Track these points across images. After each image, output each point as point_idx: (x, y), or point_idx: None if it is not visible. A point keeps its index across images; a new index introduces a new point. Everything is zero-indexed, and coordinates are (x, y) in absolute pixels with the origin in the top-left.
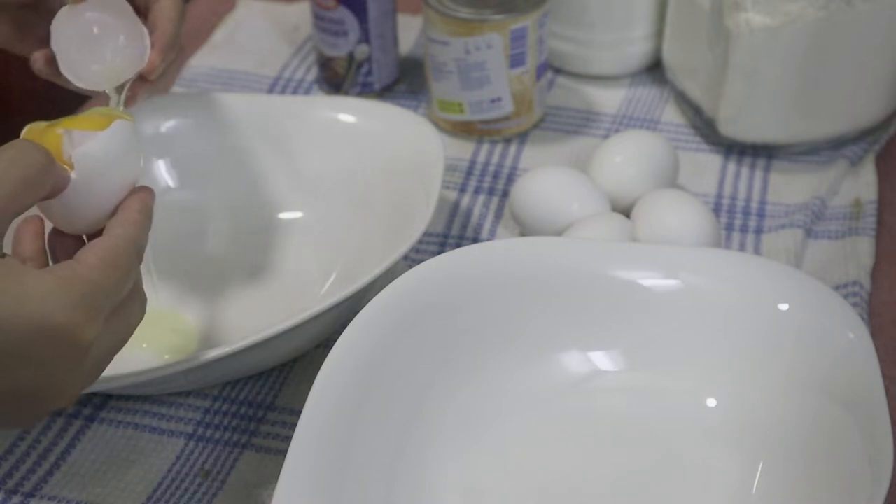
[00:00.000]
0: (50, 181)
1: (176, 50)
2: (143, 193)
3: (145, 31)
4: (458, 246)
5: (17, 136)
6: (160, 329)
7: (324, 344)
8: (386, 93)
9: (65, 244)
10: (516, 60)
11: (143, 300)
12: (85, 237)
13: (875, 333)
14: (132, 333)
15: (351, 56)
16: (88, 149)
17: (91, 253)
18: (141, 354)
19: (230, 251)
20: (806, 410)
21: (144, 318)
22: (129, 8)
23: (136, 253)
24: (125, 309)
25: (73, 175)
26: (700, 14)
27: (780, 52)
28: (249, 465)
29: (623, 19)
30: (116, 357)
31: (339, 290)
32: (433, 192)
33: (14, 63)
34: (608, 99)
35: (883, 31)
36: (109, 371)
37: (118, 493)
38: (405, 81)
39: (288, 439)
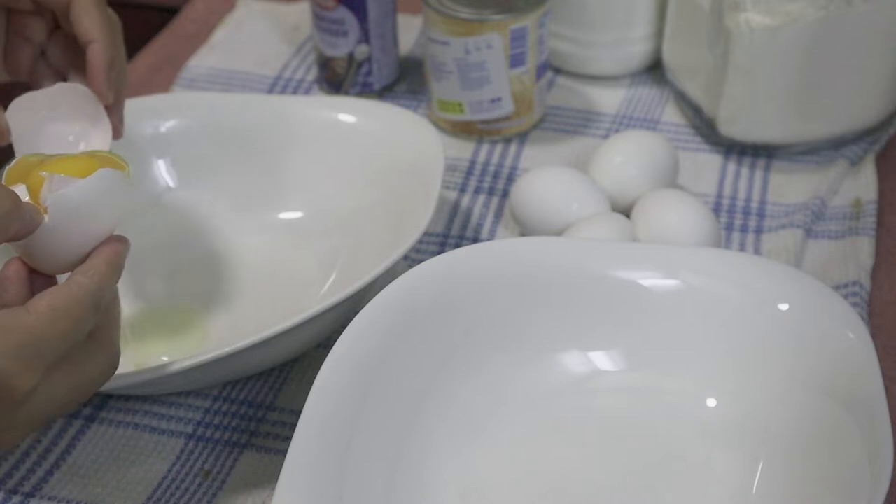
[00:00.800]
0: (14, 225)
1: (114, 69)
2: (116, 244)
3: (103, 112)
4: (458, 246)
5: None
6: (174, 331)
7: (324, 344)
8: (386, 93)
9: (39, 283)
10: (516, 60)
11: (111, 351)
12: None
13: (875, 333)
14: (95, 383)
15: (351, 56)
16: (62, 196)
17: (43, 300)
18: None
19: (230, 251)
20: (806, 410)
21: (153, 325)
22: (86, 91)
23: (92, 303)
24: (78, 358)
25: (45, 218)
26: (700, 14)
27: (780, 52)
28: (249, 465)
29: (623, 19)
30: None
31: (339, 290)
32: (433, 192)
33: None
34: (608, 99)
35: (883, 31)
36: None
37: (118, 493)
38: (405, 81)
39: (288, 439)
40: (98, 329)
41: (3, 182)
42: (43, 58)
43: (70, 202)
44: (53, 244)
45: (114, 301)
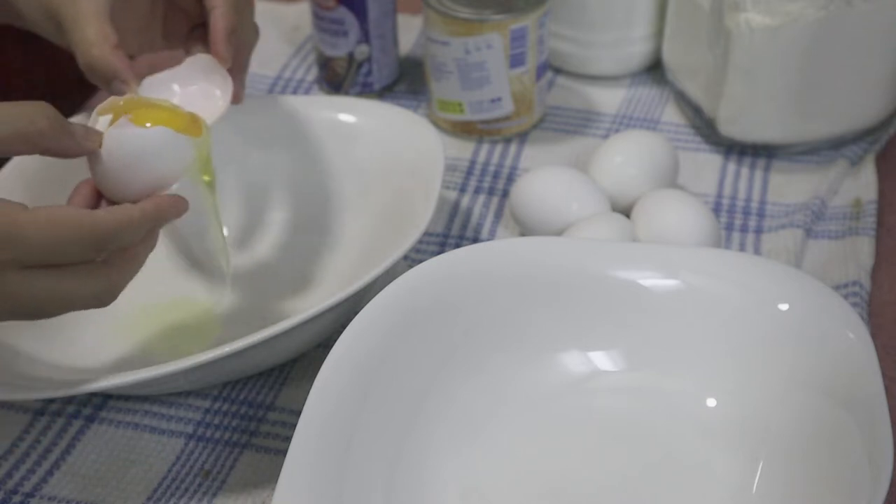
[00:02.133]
0: (46, 142)
1: (236, 34)
2: (161, 200)
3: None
4: (458, 246)
5: None
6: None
7: (324, 344)
8: (386, 93)
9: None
10: (516, 60)
11: (106, 289)
12: None
13: (875, 333)
14: (72, 305)
15: (351, 56)
16: (111, 134)
17: (48, 210)
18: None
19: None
20: (806, 410)
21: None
22: (211, 59)
23: (93, 237)
24: (65, 275)
25: (101, 151)
26: (700, 14)
27: (780, 52)
28: (249, 465)
29: (623, 19)
30: (118, 357)
31: (338, 291)
32: (433, 192)
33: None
34: (608, 99)
35: (883, 31)
36: (109, 371)
37: (118, 493)
38: (405, 81)
39: (288, 439)
40: (105, 265)
41: (98, 107)
42: (199, 28)
43: (115, 142)
44: (101, 174)
45: (139, 250)
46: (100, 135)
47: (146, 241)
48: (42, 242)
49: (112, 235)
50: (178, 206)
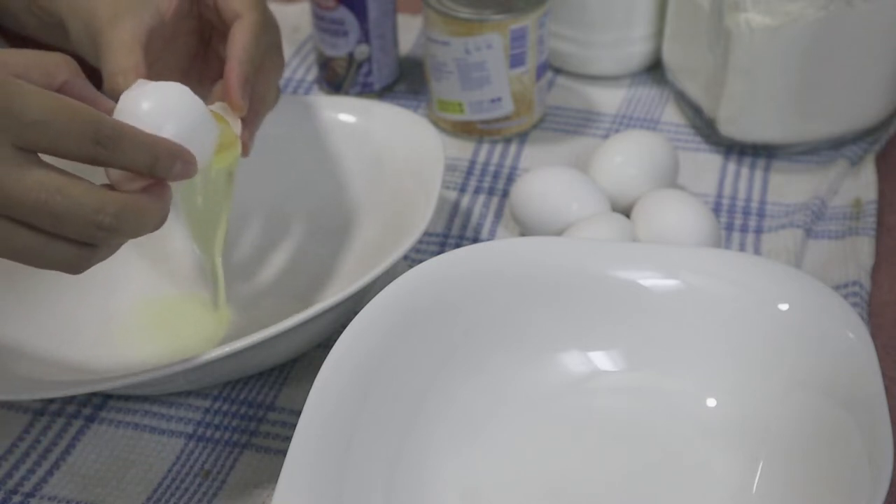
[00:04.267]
0: (63, 82)
1: (254, 74)
2: (172, 143)
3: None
4: (458, 246)
5: None
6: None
7: (324, 344)
8: (386, 93)
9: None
10: (516, 60)
11: (96, 214)
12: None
13: (875, 333)
14: (55, 221)
15: (351, 56)
16: (125, 98)
17: (49, 92)
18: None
19: (227, 251)
20: (806, 410)
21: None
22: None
23: (93, 125)
24: (57, 172)
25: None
26: (700, 14)
27: (780, 52)
28: (249, 465)
29: (623, 19)
30: (118, 357)
31: (339, 290)
32: (433, 192)
33: None
34: (608, 99)
35: (883, 31)
36: (110, 371)
37: (118, 493)
38: (405, 81)
39: (288, 439)
40: (109, 191)
41: None
42: None
43: (131, 102)
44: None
45: (146, 202)
46: (113, 104)
47: (154, 197)
48: (41, 115)
49: (113, 129)
50: (188, 160)
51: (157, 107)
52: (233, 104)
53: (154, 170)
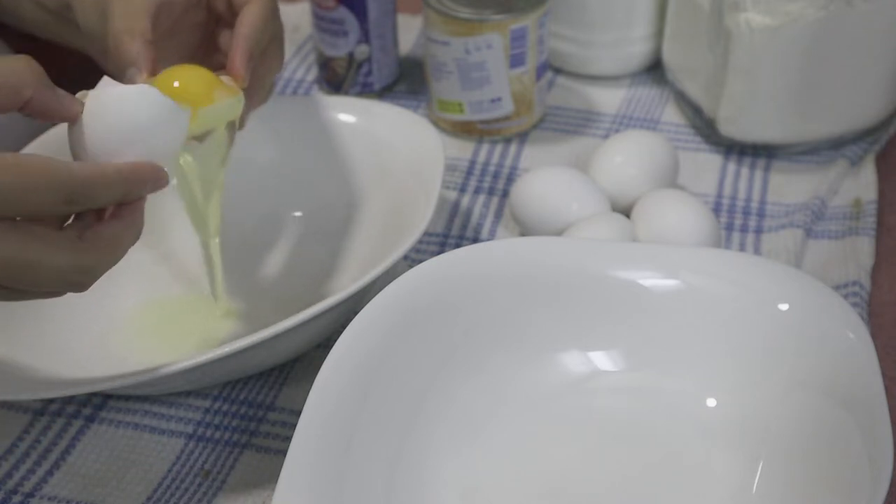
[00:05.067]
0: (26, 96)
1: (258, 56)
2: (141, 164)
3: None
4: (458, 246)
5: None
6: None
7: (324, 344)
8: (386, 93)
9: None
10: (516, 60)
11: (70, 263)
12: None
13: (875, 333)
14: (32, 278)
15: (351, 56)
16: (91, 99)
17: (16, 156)
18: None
19: (227, 250)
20: (806, 410)
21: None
22: None
23: (63, 188)
24: (29, 234)
25: (82, 117)
26: (700, 14)
27: (780, 52)
28: (249, 465)
29: (623, 19)
30: (118, 357)
31: (339, 290)
32: (433, 192)
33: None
34: (608, 99)
35: (883, 31)
36: (109, 371)
37: (118, 493)
38: (405, 81)
39: (288, 439)
40: (81, 240)
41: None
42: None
43: (95, 104)
44: (80, 145)
45: (118, 230)
46: (82, 103)
47: (126, 222)
48: (6, 184)
49: (82, 185)
50: (158, 176)
51: (123, 107)
52: (235, 74)
53: (126, 200)
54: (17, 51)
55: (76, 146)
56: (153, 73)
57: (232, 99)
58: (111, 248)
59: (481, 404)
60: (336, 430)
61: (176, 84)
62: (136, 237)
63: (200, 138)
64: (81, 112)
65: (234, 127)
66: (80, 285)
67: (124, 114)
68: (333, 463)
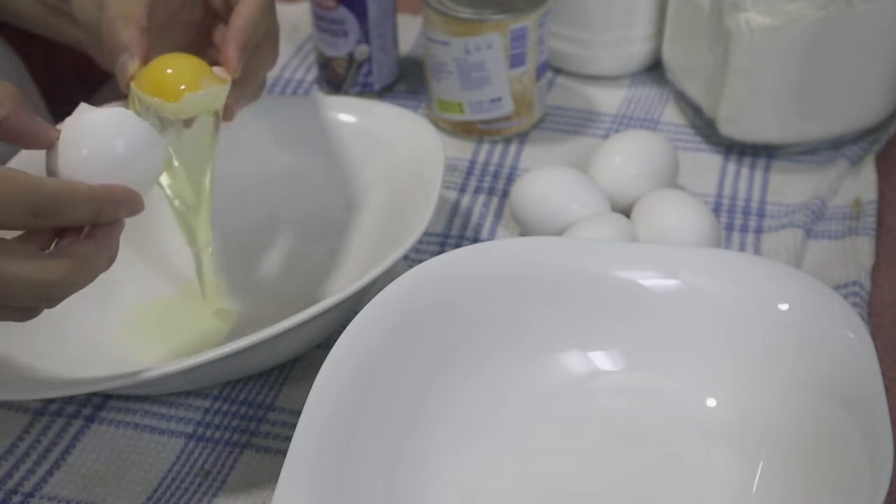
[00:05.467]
0: (2, 124)
1: (251, 49)
2: (118, 188)
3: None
4: (458, 246)
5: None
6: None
7: (324, 344)
8: (386, 93)
9: None
10: (516, 60)
11: (37, 278)
12: None
13: (875, 333)
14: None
15: (351, 56)
16: (66, 126)
17: None
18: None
19: (227, 251)
20: (806, 410)
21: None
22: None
23: (32, 199)
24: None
25: (58, 143)
26: (700, 14)
27: (780, 52)
28: (249, 465)
29: (623, 19)
30: (118, 357)
31: (339, 290)
32: (433, 192)
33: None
34: (608, 99)
35: (883, 31)
36: (109, 371)
37: (118, 493)
38: (405, 81)
39: (288, 439)
40: (50, 256)
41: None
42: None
43: (71, 130)
44: (51, 166)
45: (90, 250)
46: (59, 130)
47: (100, 243)
48: None
49: (49, 198)
50: (133, 200)
51: (99, 135)
52: (227, 64)
53: (98, 220)
54: (19, 51)
55: (51, 174)
56: (145, 60)
57: (219, 87)
58: (79, 266)
59: (481, 404)
60: (336, 430)
61: (169, 71)
62: (110, 261)
63: (188, 123)
64: (57, 139)
65: (220, 117)
66: (48, 301)
67: (101, 142)
68: (333, 463)
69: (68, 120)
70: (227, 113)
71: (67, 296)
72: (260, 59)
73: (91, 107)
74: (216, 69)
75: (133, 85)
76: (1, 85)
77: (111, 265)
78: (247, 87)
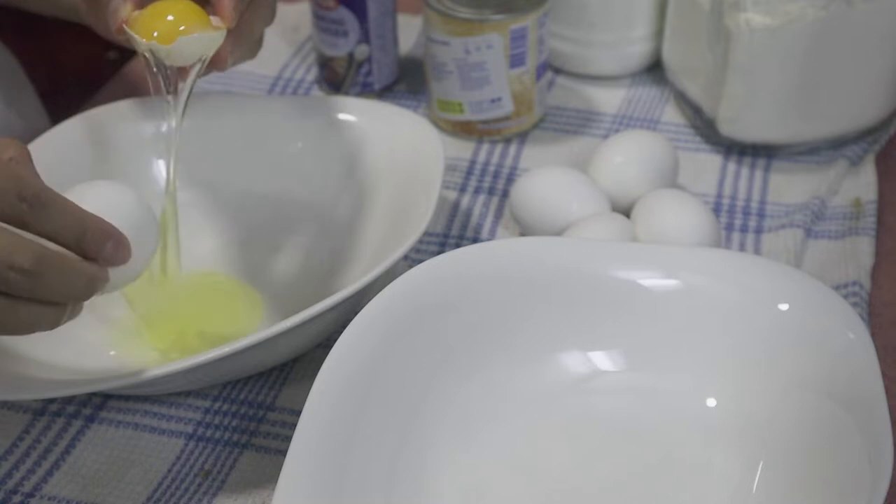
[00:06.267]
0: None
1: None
2: (108, 224)
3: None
4: (458, 246)
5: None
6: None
7: (324, 344)
8: (386, 93)
9: None
10: (516, 60)
11: (21, 259)
12: None
13: (875, 333)
14: None
15: (351, 56)
16: (71, 193)
17: None
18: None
19: (227, 251)
20: (806, 410)
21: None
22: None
23: (15, 180)
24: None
25: None
26: (700, 14)
27: (780, 52)
28: (249, 465)
29: (623, 19)
30: (118, 357)
31: (339, 290)
32: (433, 192)
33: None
34: (608, 99)
35: (883, 31)
36: (109, 371)
37: (118, 493)
38: (405, 81)
39: (288, 439)
40: (23, 237)
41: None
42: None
43: (73, 196)
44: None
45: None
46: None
47: (79, 271)
48: None
49: (39, 187)
50: (121, 242)
51: (98, 204)
52: (223, 12)
53: (82, 243)
54: (18, 51)
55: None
56: (139, 5)
57: (214, 33)
58: (57, 269)
59: (481, 404)
60: (336, 430)
61: (166, 16)
62: (89, 289)
63: (182, 74)
64: None
65: (204, 65)
66: (16, 286)
67: (102, 203)
68: (333, 463)
69: (69, 190)
70: (220, 63)
71: (41, 292)
72: (257, 13)
73: (99, 182)
74: (213, 18)
75: (127, 27)
76: (9, 139)
77: (88, 297)
78: (243, 41)
